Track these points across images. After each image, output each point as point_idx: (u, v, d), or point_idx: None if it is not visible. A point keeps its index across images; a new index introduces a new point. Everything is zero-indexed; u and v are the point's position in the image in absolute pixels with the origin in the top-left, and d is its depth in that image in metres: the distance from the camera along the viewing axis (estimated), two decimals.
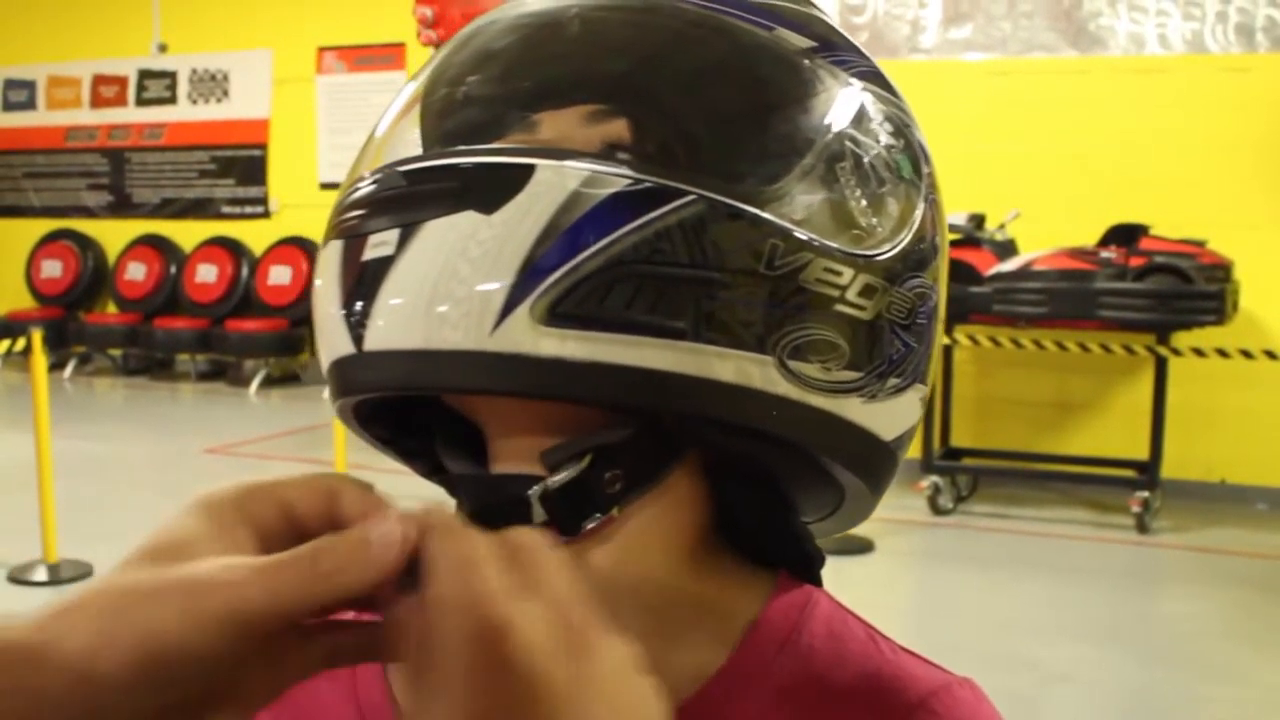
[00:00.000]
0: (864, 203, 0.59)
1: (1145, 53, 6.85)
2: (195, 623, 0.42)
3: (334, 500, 0.48)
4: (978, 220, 6.49)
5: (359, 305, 0.56)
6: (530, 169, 0.55)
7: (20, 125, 11.08)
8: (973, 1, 7.20)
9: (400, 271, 0.55)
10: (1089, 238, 6.31)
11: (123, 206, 10.80)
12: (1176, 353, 6.10)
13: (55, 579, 4.90)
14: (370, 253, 0.56)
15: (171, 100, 10.52)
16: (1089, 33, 6.97)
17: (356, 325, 0.57)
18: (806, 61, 0.61)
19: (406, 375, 0.56)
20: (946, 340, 6.23)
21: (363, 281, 0.56)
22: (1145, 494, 5.96)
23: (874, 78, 0.63)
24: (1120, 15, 6.88)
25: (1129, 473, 6.32)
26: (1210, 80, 6.68)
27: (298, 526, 0.47)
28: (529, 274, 0.53)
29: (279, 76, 10.04)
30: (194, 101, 10.44)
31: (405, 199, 0.57)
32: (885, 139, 0.61)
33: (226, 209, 10.40)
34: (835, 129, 0.59)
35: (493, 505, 0.58)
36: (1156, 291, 5.92)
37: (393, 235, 0.56)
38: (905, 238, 0.60)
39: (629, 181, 0.54)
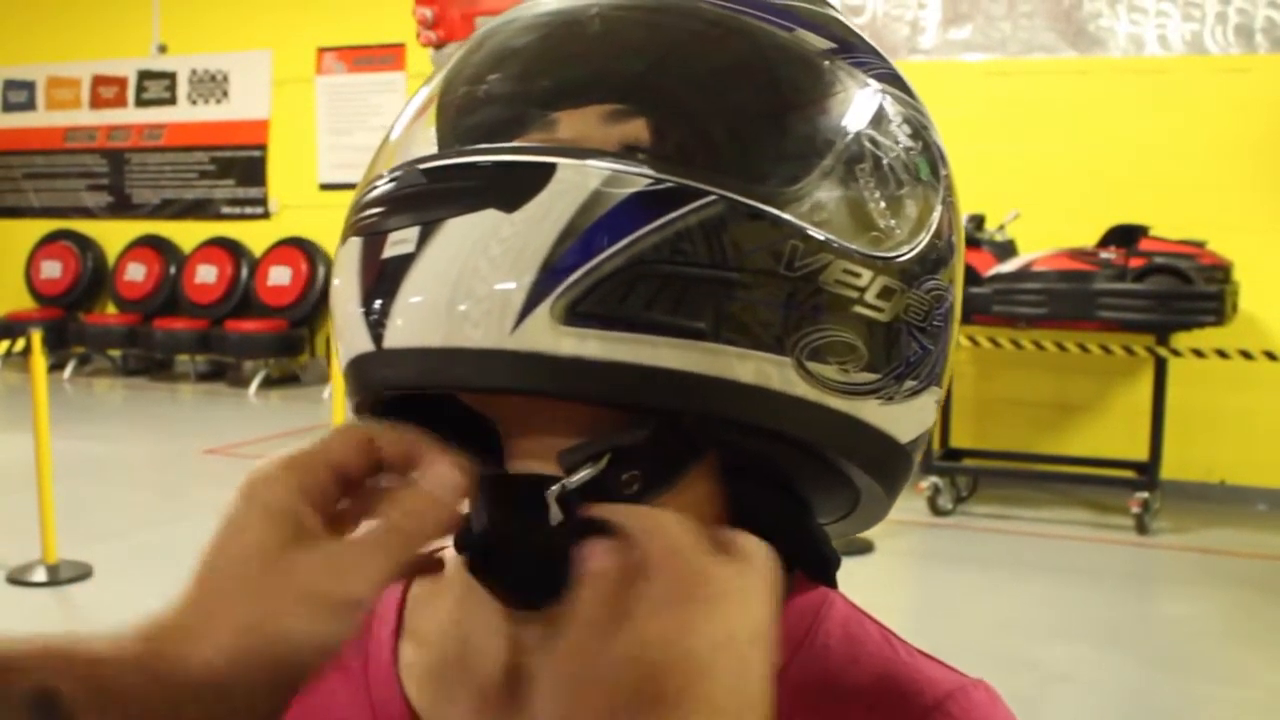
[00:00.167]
0: (883, 204, 0.59)
1: (1145, 53, 6.85)
2: (318, 627, 0.51)
3: (371, 446, 0.55)
4: (977, 221, 6.49)
5: (378, 303, 0.56)
6: (551, 168, 0.55)
7: (20, 126, 11.08)
8: (972, 2, 7.20)
9: (420, 269, 0.55)
10: (1088, 238, 6.32)
11: (122, 207, 10.80)
12: (1176, 353, 6.11)
13: (54, 579, 4.90)
14: (390, 250, 0.56)
15: (171, 101, 10.52)
16: (1089, 33, 6.97)
17: (376, 323, 0.56)
18: (826, 63, 0.61)
19: (426, 373, 0.56)
20: None
21: (382, 279, 0.56)
22: (1145, 495, 5.96)
23: (892, 80, 0.63)
24: (1120, 16, 6.89)
25: (1129, 473, 6.32)
26: (1210, 81, 6.68)
27: (346, 479, 0.55)
28: (550, 273, 0.53)
29: (279, 77, 10.04)
30: (194, 102, 10.44)
31: (425, 197, 0.57)
32: (904, 141, 0.61)
33: (226, 210, 10.40)
34: (855, 130, 0.59)
35: (509, 505, 0.58)
36: (1156, 292, 5.93)
37: (413, 233, 0.56)
38: (923, 239, 0.60)
39: (650, 181, 0.54)
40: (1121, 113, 6.85)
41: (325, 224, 9.64)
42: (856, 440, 0.59)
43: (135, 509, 6.23)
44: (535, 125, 0.60)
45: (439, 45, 6.29)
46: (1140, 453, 6.25)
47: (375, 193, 0.59)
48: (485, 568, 0.59)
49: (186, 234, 10.49)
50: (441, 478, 0.55)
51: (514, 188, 0.55)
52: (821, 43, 0.61)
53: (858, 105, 0.60)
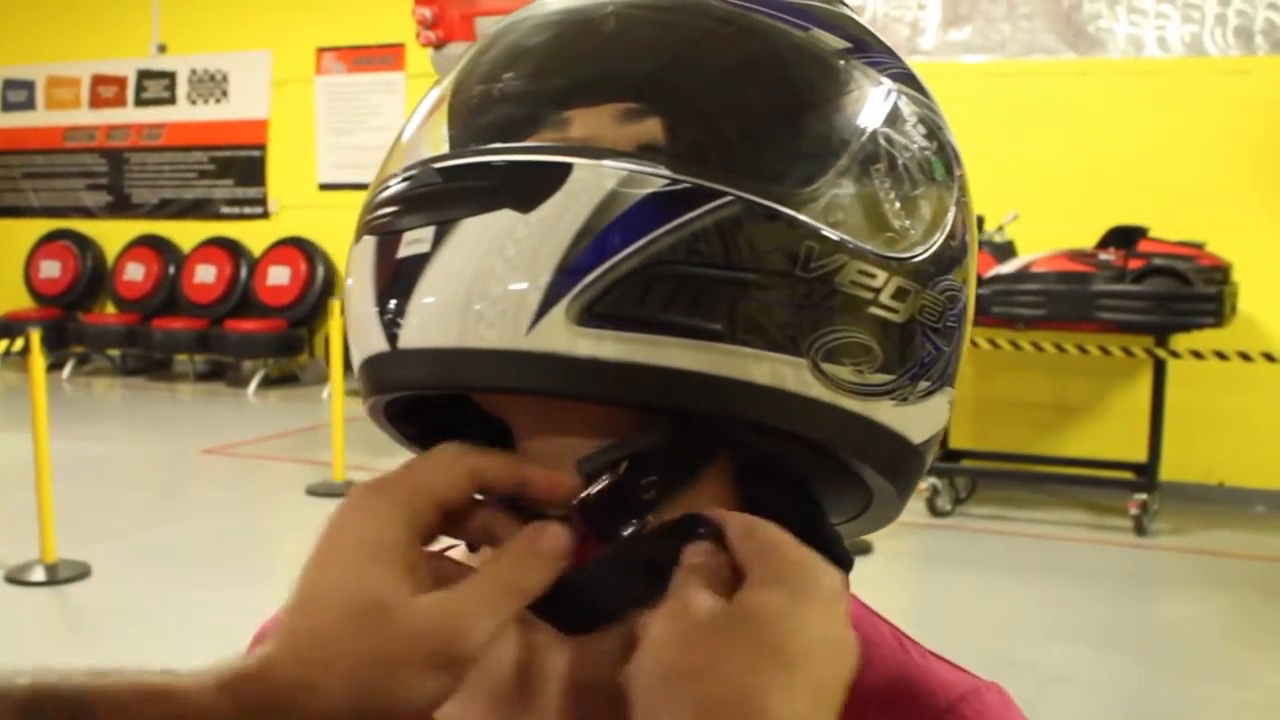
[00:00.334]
0: (898, 205, 0.59)
1: (1144, 55, 6.86)
2: (433, 685, 0.51)
3: (477, 477, 0.55)
4: (976, 222, 6.48)
5: (393, 303, 0.56)
6: (567, 168, 0.55)
7: (19, 125, 11.07)
8: (972, 3, 7.20)
9: (436, 269, 0.55)
10: (1088, 240, 6.32)
11: (121, 207, 10.79)
12: (1175, 355, 6.11)
13: (53, 579, 4.89)
14: (405, 250, 0.56)
15: (170, 101, 10.51)
16: (1088, 35, 6.98)
17: (391, 323, 0.56)
18: (841, 62, 0.61)
19: (441, 374, 0.56)
20: None
21: (397, 279, 0.56)
22: (1144, 496, 5.96)
23: (907, 79, 0.63)
24: (1119, 18, 6.89)
25: (1127, 475, 6.32)
26: (1209, 82, 6.68)
27: (446, 512, 0.55)
28: (566, 274, 0.53)
29: (278, 77, 10.03)
30: (193, 102, 10.44)
31: (440, 196, 0.57)
32: (919, 140, 0.61)
33: (225, 209, 10.39)
34: (870, 131, 0.59)
35: (527, 510, 0.58)
36: (1155, 294, 5.93)
37: (427, 233, 0.55)
38: (938, 240, 0.60)
39: (666, 182, 0.54)
40: (1121, 114, 6.85)
41: (325, 224, 9.64)
42: (871, 442, 0.59)
43: (134, 508, 6.23)
44: (549, 124, 0.60)
45: (439, 45, 6.28)
46: (1139, 454, 6.25)
47: (389, 192, 0.59)
48: (553, 601, 0.57)
49: (186, 234, 10.48)
50: (554, 539, 0.55)
51: (529, 188, 0.54)
52: (837, 42, 0.61)
53: (873, 105, 0.60)
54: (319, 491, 6.25)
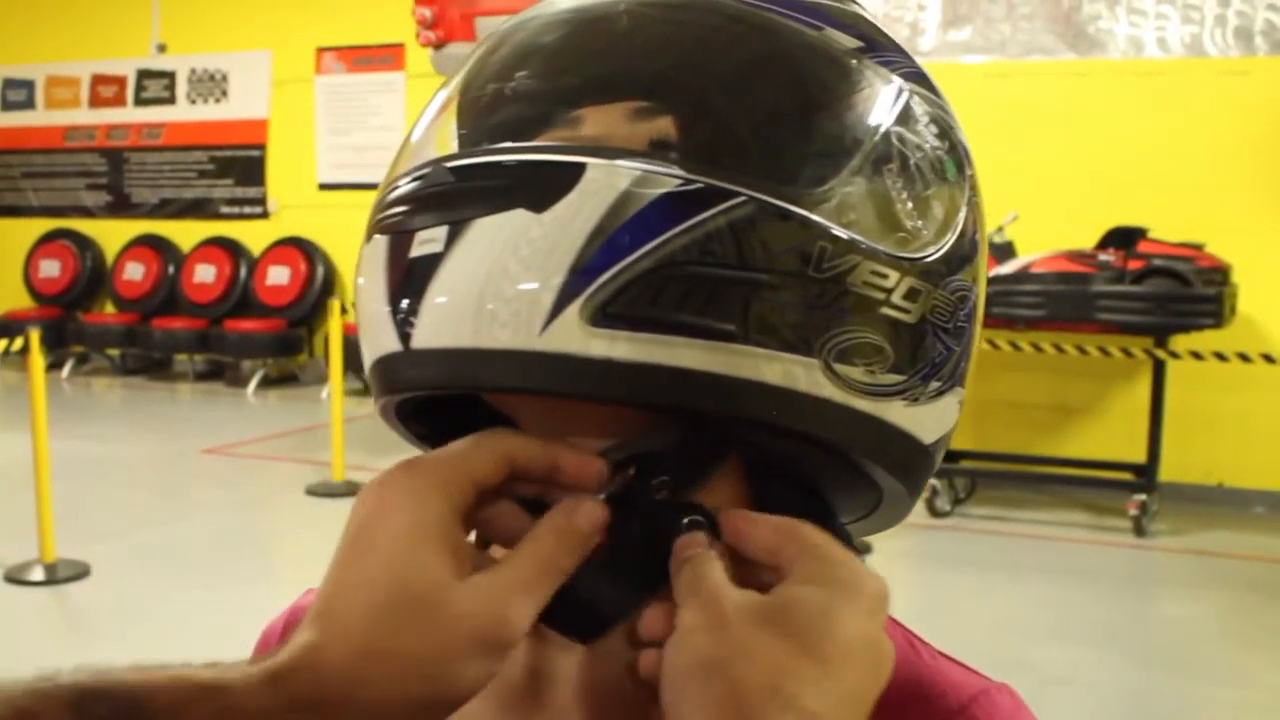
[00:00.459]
0: (910, 205, 0.59)
1: (1144, 56, 6.86)
2: (481, 670, 0.51)
3: (510, 460, 0.55)
4: None
5: (406, 302, 0.56)
6: (581, 168, 0.54)
7: (19, 125, 11.06)
8: (972, 4, 7.20)
9: (449, 269, 0.55)
10: (1087, 240, 6.32)
11: (121, 206, 10.79)
12: (1174, 356, 6.11)
13: (52, 579, 4.89)
14: (417, 249, 0.56)
15: (170, 100, 10.51)
16: (1088, 35, 6.98)
17: (403, 323, 0.56)
18: (854, 62, 0.61)
19: (454, 374, 0.55)
20: None
21: (410, 278, 0.56)
22: (1143, 497, 5.96)
23: (919, 79, 0.63)
24: (1119, 18, 6.89)
25: (1127, 475, 6.32)
26: (1209, 83, 6.69)
27: (483, 494, 0.55)
28: (579, 274, 0.53)
29: (278, 77, 10.03)
30: (193, 102, 10.43)
31: (452, 196, 0.56)
32: (931, 140, 0.61)
33: (225, 209, 10.39)
34: (883, 130, 0.59)
35: (538, 511, 0.58)
36: (1154, 294, 5.93)
37: (440, 232, 0.55)
38: (949, 240, 0.60)
39: (680, 182, 0.54)
40: (1120, 115, 6.85)
41: (324, 224, 9.64)
42: (882, 442, 0.59)
43: (133, 508, 6.23)
44: (560, 122, 0.59)
45: (438, 45, 6.29)
46: (1138, 455, 6.25)
47: (400, 191, 0.58)
48: (561, 609, 0.56)
49: (185, 233, 10.48)
50: (590, 514, 0.55)
51: (543, 187, 0.54)
52: (849, 41, 0.61)
53: (885, 104, 0.60)
54: (318, 491, 6.25)
